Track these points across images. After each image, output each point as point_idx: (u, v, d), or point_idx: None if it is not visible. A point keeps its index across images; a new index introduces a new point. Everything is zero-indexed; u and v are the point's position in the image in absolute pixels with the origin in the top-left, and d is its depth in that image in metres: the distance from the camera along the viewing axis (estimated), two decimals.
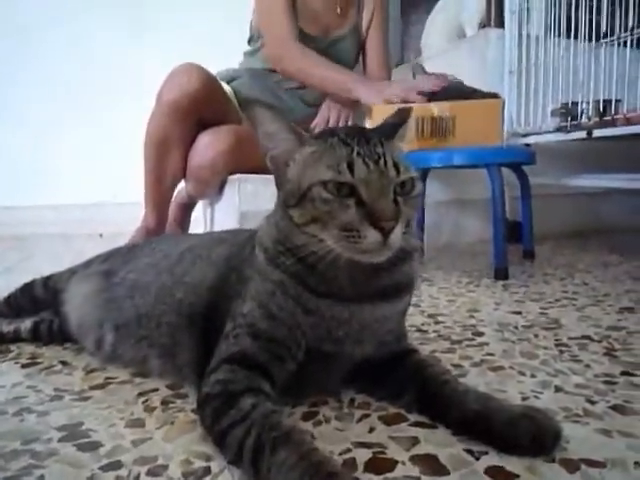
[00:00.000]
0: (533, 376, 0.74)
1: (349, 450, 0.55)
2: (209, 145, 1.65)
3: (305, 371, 0.63)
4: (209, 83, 1.61)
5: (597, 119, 1.73)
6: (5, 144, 2.96)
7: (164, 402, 0.68)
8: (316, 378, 0.65)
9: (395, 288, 0.64)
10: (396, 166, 0.56)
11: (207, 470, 0.51)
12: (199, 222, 2.15)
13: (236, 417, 0.52)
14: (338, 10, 1.86)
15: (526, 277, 1.45)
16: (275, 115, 0.60)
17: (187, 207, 1.99)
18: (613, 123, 1.69)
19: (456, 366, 0.78)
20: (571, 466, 0.50)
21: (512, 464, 0.51)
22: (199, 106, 1.59)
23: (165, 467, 0.52)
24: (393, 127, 0.63)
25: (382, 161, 0.55)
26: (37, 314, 0.96)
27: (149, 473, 0.51)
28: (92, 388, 0.73)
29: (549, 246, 2.01)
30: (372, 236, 0.53)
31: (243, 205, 1.71)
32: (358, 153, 0.55)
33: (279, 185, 0.62)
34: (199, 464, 0.52)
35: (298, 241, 0.58)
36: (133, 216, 1.79)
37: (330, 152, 0.57)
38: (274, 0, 1.73)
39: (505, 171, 1.82)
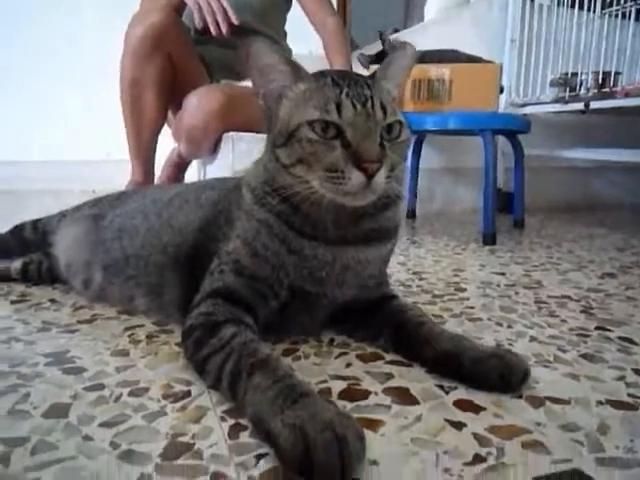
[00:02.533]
0: (509, 327, 0.76)
1: (325, 381, 0.57)
2: (199, 105, 1.63)
3: (287, 310, 0.65)
4: (172, 17, 1.58)
5: (595, 91, 1.73)
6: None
7: (149, 336, 0.70)
8: (298, 317, 0.67)
9: (378, 233, 0.65)
10: (383, 108, 0.56)
11: (187, 393, 0.53)
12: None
13: (217, 345, 0.54)
14: None
15: (513, 244, 1.47)
16: (273, 46, 0.59)
17: (180, 166, 1.98)
18: (611, 95, 1.68)
19: (436, 316, 0.80)
20: (536, 402, 0.53)
21: (480, 398, 0.53)
22: (165, 38, 1.57)
23: (146, 389, 0.54)
24: (382, 67, 0.63)
25: (369, 103, 0.55)
26: (27, 255, 0.97)
27: (130, 394, 0.53)
28: (80, 322, 0.75)
29: (539, 217, 2.03)
30: (356, 177, 0.53)
31: (237, 164, 1.71)
32: (347, 94, 0.55)
33: (269, 124, 0.62)
34: (179, 388, 0.55)
35: (284, 181, 0.58)
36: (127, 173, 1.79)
37: (320, 92, 0.57)
38: None
39: (501, 141, 1.83)
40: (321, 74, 0.60)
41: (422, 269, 1.12)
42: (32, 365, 0.59)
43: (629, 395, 0.55)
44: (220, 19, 1.52)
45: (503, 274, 1.09)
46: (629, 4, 1.75)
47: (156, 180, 1.86)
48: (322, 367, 0.60)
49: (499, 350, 0.58)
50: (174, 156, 1.96)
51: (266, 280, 0.62)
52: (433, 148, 2.05)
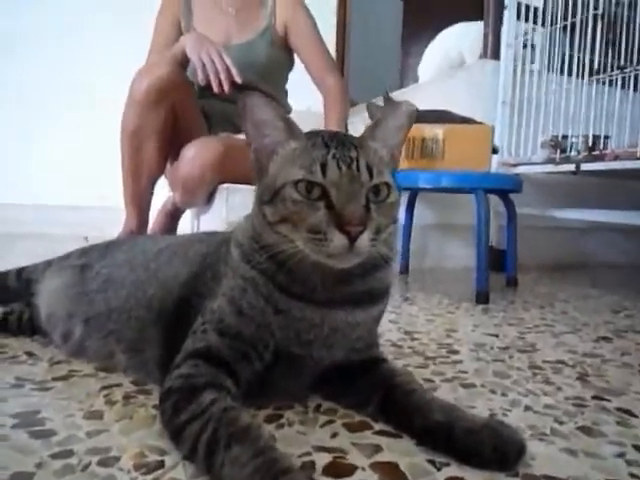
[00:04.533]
0: (504, 395, 0.73)
1: (309, 453, 0.53)
2: (197, 155, 1.65)
3: (272, 373, 0.62)
4: (177, 71, 1.62)
5: (586, 153, 1.76)
6: None
7: (126, 397, 0.66)
8: (283, 381, 0.64)
9: (368, 295, 0.63)
10: (370, 170, 0.55)
11: (160, 464, 0.50)
12: (186, 231, 2.14)
13: (195, 411, 0.51)
14: (231, 11, 1.87)
15: (507, 303, 1.45)
16: (269, 102, 0.59)
17: (174, 215, 1.99)
18: (601, 158, 1.71)
19: (427, 380, 0.77)
20: None
21: (473, 476, 0.50)
22: (169, 91, 1.59)
23: (117, 459, 0.50)
24: (370, 127, 0.62)
25: (355, 165, 0.55)
26: (8, 305, 0.94)
27: (99, 463, 0.50)
28: (54, 379, 0.71)
29: (532, 276, 2.02)
30: (338, 240, 0.52)
31: (230, 216, 1.71)
32: (333, 156, 0.55)
33: (259, 180, 0.61)
34: (153, 458, 0.51)
35: (269, 239, 0.57)
36: (120, 220, 1.78)
37: (307, 152, 0.56)
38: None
39: (493, 199, 1.85)
40: (314, 134, 0.60)
41: (414, 328, 1.10)
42: None
43: (630, 475, 0.52)
44: (223, 77, 1.56)
45: (496, 336, 1.07)
46: (615, 72, 1.81)
47: (149, 228, 1.86)
48: (307, 437, 0.57)
49: (492, 422, 0.55)
50: (168, 205, 1.97)
51: (251, 340, 0.60)
52: (426, 204, 2.06)
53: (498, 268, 1.90)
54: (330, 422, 0.61)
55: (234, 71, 1.57)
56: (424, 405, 0.58)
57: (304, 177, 0.54)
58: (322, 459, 0.52)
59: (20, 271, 0.96)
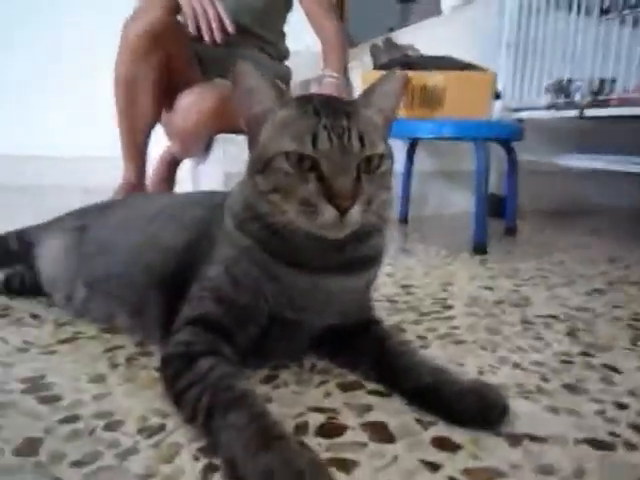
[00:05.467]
0: (493, 351, 0.75)
1: (303, 414, 0.56)
2: (193, 105, 1.62)
3: (268, 337, 0.64)
4: (169, 15, 1.57)
5: (590, 98, 1.72)
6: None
7: (129, 359, 0.69)
8: (279, 344, 0.66)
9: (361, 261, 0.64)
10: (361, 140, 0.55)
11: (162, 427, 0.53)
12: (186, 181, 2.14)
13: (193, 378, 0.53)
14: None
15: (504, 253, 1.46)
16: (259, 70, 0.58)
17: (172, 165, 1.98)
18: (606, 103, 1.67)
19: (420, 337, 0.80)
20: (514, 440, 0.52)
21: (458, 435, 0.53)
22: (163, 36, 1.56)
23: (121, 422, 0.53)
24: (364, 92, 0.62)
25: (346, 135, 0.54)
26: (10, 266, 0.96)
27: (105, 427, 0.52)
28: (60, 342, 0.74)
29: (532, 223, 2.02)
30: (328, 212, 0.52)
31: (228, 166, 1.70)
32: (324, 126, 0.54)
33: (251, 148, 0.61)
34: (155, 421, 0.54)
35: (262, 208, 0.58)
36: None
37: (298, 121, 0.56)
38: None
39: (495, 146, 1.82)
40: (305, 100, 0.59)
41: (410, 282, 1.12)
42: (7, 392, 0.59)
43: (609, 434, 0.54)
44: (215, 26, 1.50)
45: (491, 289, 1.09)
46: (627, 11, 1.73)
47: (148, 178, 1.85)
48: (301, 397, 0.60)
49: (478, 384, 0.57)
50: (166, 155, 1.96)
51: (246, 307, 0.62)
52: (426, 152, 2.04)
53: (498, 215, 1.90)
54: (324, 382, 0.64)
55: (225, 19, 1.52)
56: (414, 367, 0.60)
57: (295, 149, 0.54)
58: (315, 419, 0.55)
59: (19, 233, 0.97)
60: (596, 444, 0.52)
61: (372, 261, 0.66)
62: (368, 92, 0.61)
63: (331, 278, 0.62)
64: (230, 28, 1.53)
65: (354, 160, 0.54)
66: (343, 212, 0.52)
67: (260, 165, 0.57)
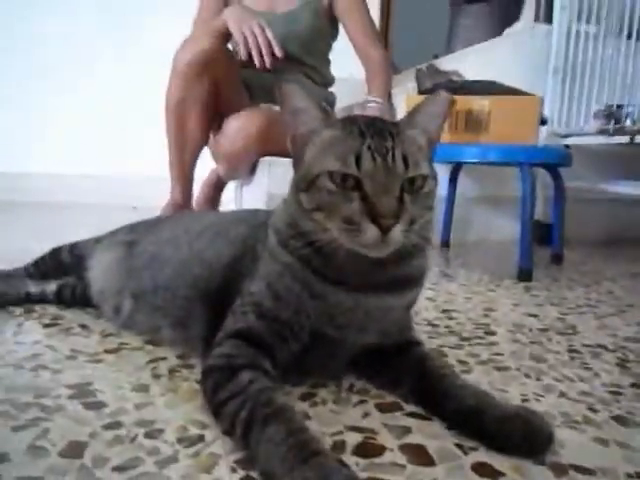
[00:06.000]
0: (538, 379, 0.73)
1: (340, 433, 0.56)
2: (240, 129, 1.67)
3: (308, 354, 0.64)
4: (219, 44, 1.64)
5: None
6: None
7: (171, 370, 0.70)
8: (318, 361, 0.66)
9: (402, 281, 0.64)
10: (405, 161, 0.55)
11: (201, 438, 0.53)
12: (230, 202, 2.19)
13: (233, 390, 0.54)
14: None
15: (550, 281, 1.42)
16: (306, 91, 0.60)
17: (218, 187, 2.03)
18: None
19: (462, 362, 0.78)
20: (560, 470, 0.50)
21: (500, 462, 0.51)
22: (212, 63, 1.62)
23: (162, 431, 0.54)
24: (409, 113, 0.62)
25: (390, 156, 0.55)
26: (62, 278, 1.00)
27: (146, 435, 0.53)
28: (106, 352, 0.77)
29: (579, 252, 1.96)
30: (371, 231, 0.53)
31: (272, 187, 1.73)
32: (369, 147, 0.55)
33: (296, 167, 0.62)
34: (194, 431, 0.55)
35: (305, 227, 0.59)
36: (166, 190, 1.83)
37: (343, 141, 0.57)
38: None
39: (541, 171, 1.79)
40: (350, 121, 0.60)
41: (451, 307, 1.10)
42: (55, 397, 0.61)
43: None
44: (264, 52, 1.56)
45: (536, 316, 1.05)
46: None
47: (194, 200, 1.90)
48: (339, 416, 0.59)
49: (523, 410, 0.55)
50: (212, 176, 2.01)
51: (287, 323, 0.62)
52: (470, 176, 2.02)
53: (544, 242, 1.85)
54: (362, 402, 0.63)
55: (275, 44, 1.57)
56: (455, 390, 0.59)
57: (339, 169, 0.55)
58: (353, 439, 0.55)
59: (72, 246, 1.01)
60: None
61: (414, 281, 0.65)
62: (413, 113, 0.62)
63: (372, 297, 0.62)
64: (279, 53, 1.57)
65: (397, 180, 0.55)
66: (385, 231, 0.52)
67: (304, 184, 0.58)
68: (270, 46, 1.57)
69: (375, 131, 0.57)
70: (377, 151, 0.55)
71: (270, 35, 1.57)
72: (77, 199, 2.98)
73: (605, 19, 1.94)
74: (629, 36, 1.89)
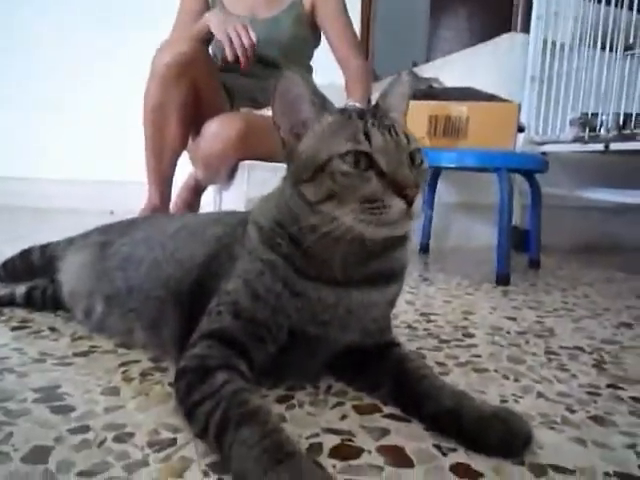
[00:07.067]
0: (516, 380, 0.73)
1: (317, 435, 0.54)
2: (218, 133, 1.65)
3: (286, 354, 0.63)
4: (199, 47, 1.63)
5: (616, 132, 1.71)
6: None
7: (143, 373, 0.68)
8: (296, 362, 0.65)
9: (385, 275, 0.63)
10: (406, 135, 0.57)
11: (173, 441, 0.52)
12: (209, 206, 2.16)
13: (207, 392, 0.52)
14: None
15: (527, 285, 1.43)
16: (305, 77, 0.59)
17: (196, 191, 2.00)
18: (632, 137, 1.66)
19: (440, 364, 0.77)
20: (538, 470, 0.50)
21: (479, 463, 0.50)
22: (191, 66, 1.61)
23: (132, 435, 0.52)
24: (381, 99, 0.64)
25: (394, 130, 0.56)
26: (33, 280, 0.97)
27: (115, 439, 0.51)
28: (76, 355, 0.74)
29: (556, 257, 1.99)
30: (397, 205, 0.52)
31: (251, 192, 1.71)
32: (372, 124, 0.56)
33: (291, 160, 0.60)
34: (166, 435, 0.53)
35: (311, 220, 0.56)
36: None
37: (347, 124, 0.57)
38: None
39: (518, 178, 1.81)
40: (343, 109, 0.61)
41: (431, 310, 1.10)
42: (21, 401, 0.58)
43: None
44: (250, 53, 1.55)
45: (514, 319, 1.06)
46: None
47: (172, 204, 1.88)
48: (316, 418, 0.58)
49: (501, 411, 0.55)
50: (191, 181, 1.99)
51: (265, 323, 0.61)
52: (449, 183, 2.03)
53: (521, 248, 1.87)
54: (340, 404, 0.62)
55: (253, 36, 1.57)
56: (434, 391, 0.58)
57: (352, 148, 0.54)
58: (330, 441, 0.53)
59: (44, 248, 0.98)
60: (626, 478, 0.49)
61: (395, 275, 0.65)
62: (384, 96, 0.63)
63: (354, 292, 0.61)
64: (254, 39, 1.57)
65: (405, 153, 0.55)
66: (410, 202, 0.52)
67: (308, 173, 0.56)
68: (254, 46, 1.57)
69: (369, 113, 0.58)
70: (382, 127, 0.56)
71: (253, 35, 1.56)
72: (53, 204, 2.92)
73: (580, 31, 1.98)
74: (603, 47, 1.93)
